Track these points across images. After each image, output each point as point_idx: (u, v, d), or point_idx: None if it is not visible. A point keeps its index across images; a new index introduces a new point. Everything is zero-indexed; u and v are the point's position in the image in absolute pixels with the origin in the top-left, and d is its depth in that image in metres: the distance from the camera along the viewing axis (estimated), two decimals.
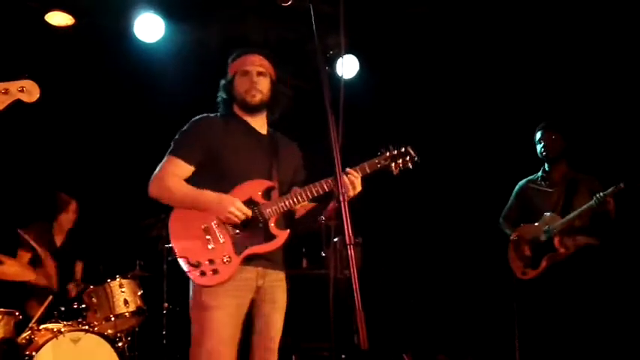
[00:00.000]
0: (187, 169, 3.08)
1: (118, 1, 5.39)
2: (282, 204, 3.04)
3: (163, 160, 3.13)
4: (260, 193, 3.07)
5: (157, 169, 3.11)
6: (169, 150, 3.14)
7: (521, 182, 5.16)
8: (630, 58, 5.49)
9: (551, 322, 4.73)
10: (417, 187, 6.58)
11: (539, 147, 4.96)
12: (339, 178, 2.23)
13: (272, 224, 3.05)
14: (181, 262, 2.95)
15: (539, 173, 5.06)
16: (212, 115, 3.23)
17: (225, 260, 2.95)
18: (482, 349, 6.13)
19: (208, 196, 3.00)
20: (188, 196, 3.02)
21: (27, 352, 4.26)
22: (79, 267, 5.55)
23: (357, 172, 3.03)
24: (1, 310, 4.46)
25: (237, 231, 3.00)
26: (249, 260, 3.01)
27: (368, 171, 3.08)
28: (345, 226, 2.20)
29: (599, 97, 5.74)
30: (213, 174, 3.07)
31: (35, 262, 5.13)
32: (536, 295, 4.83)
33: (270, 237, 3.05)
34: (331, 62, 5.75)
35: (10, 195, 5.69)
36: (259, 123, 3.26)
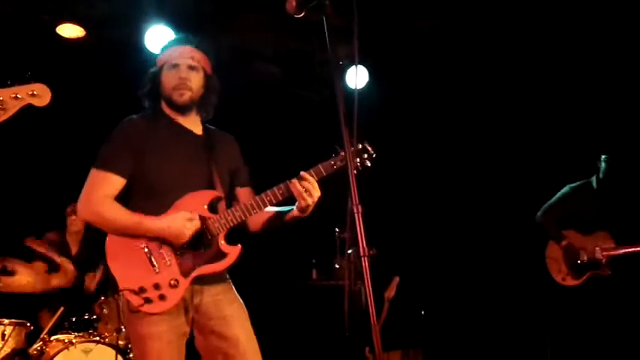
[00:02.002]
0: (120, 183, 2.72)
1: (129, 13, 5.41)
2: (232, 217, 2.72)
3: (91, 176, 2.72)
4: (206, 207, 2.74)
5: (86, 187, 2.71)
6: (96, 162, 2.73)
7: (572, 185, 5.19)
8: None
9: (587, 331, 4.84)
10: (431, 196, 6.60)
11: (602, 169, 5.01)
12: (353, 189, 2.16)
13: (222, 241, 2.73)
14: (124, 293, 2.65)
15: (594, 182, 5.09)
16: (136, 116, 2.85)
17: (172, 284, 2.65)
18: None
19: (152, 225, 2.65)
20: (129, 228, 2.66)
21: None
22: (91, 278, 5.53)
23: (313, 176, 2.71)
24: (13, 320, 4.47)
25: (184, 250, 2.70)
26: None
27: (324, 173, 2.74)
28: (360, 238, 2.12)
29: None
30: (146, 186, 2.73)
31: (52, 271, 5.15)
32: (573, 303, 4.95)
33: (221, 255, 2.73)
34: (341, 73, 5.77)
35: (23, 204, 5.72)
36: (192, 122, 2.90)
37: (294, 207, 2.79)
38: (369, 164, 2.77)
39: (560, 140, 5.99)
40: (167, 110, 2.89)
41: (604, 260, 4.83)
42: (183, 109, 2.86)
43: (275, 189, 2.74)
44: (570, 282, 4.97)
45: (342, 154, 2.71)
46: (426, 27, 5.79)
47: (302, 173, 2.71)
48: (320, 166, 2.75)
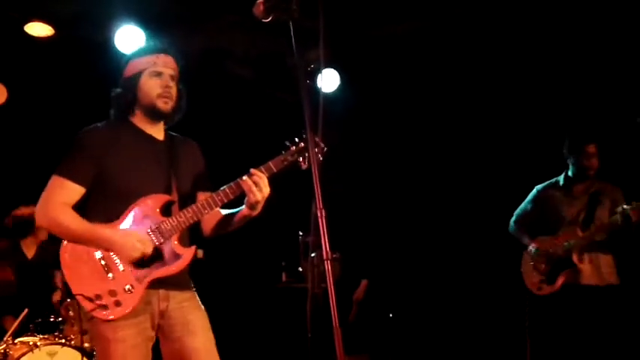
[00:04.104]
0: (78, 192, 2.74)
1: (99, 13, 5.35)
2: (184, 219, 2.74)
3: (50, 182, 2.75)
4: (158, 210, 2.75)
5: (44, 193, 2.75)
6: (57, 169, 2.76)
7: (539, 187, 4.89)
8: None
9: (565, 344, 4.49)
10: (400, 200, 6.65)
11: (578, 160, 4.65)
12: (317, 192, 2.17)
13: (175, 242, 2.75)
14: (78, 298, 2.66)
15: (561, 180, 4.77)
16: (100, 124, 2.85)
17: (127, 289, 2.67)
18: None
19: (104, 235, 2.68)
20: (81, 237, 2.70)
21: None
22: (59, 275, 5.45)
23: (263, 172, 2.73)
24: None
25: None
26: (152, 284, 2.72)
27: (274, 170, 2.77)
28: (323, 242, 2.13)
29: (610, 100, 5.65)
30: (105, 193, 2.75)
31: None
32: (550, 313, 4.58)
33: (175, 257, 2.74)
34: (312, 76, 5.77)
35: None
36: (156, 129, 2.91)
37: (244, 205, 2.81)
38: (321, 158, 2.69)
39: (532, 142, 6.05)
40: (135, 118, 2.90)
41: (574, 253, 4.47)
42: (161, 117, 2.88)
43: (226, 187, 2.76)
44: (546, 290, 4.60)
45: (293, 148, 2.79)
46: (398, 31, 5.84)
47: (252, 170, 2.74)
48: (270, 162, 2.78)
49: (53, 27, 5.36)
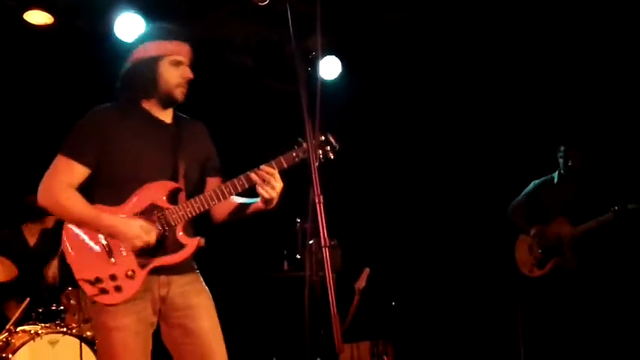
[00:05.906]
0: (83, 173, 2.69)
1: (99, 1, 5.33)
2: (190, 209, 2.69)
3: (55, 161, 2.70)
4: (164, 198, 2.70)
5: (48, 172, 2.70)
6: (62, 148, 2.70)
7: (536, 182, 5.42)
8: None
9: (555, 322, 4.99)
10: (403, 187, 6.64)
11: (561, 161, 5.23)
12: (315, 180, 2.16)
13: (180, 232, 2.71)
14: (80, 283, 2.63)
15: (555, 177, 5.31)
16: (109, 105, 2.81)
17: (128, 275, 2.62)
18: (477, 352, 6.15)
19: (108, 222, 2.63)
20: (85, 220, 2.66)
21: (3, 355, 4.22)
22: (51, 266, 5.44)
23: (274, 167, 2.69)
24: None
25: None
26: (152, 270, 2.69)
27: (285, 165, 2.71)
28: (321, 228, 2.12)
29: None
30: (110, 176, 2.71)
31: None
32: (539, 294, 5.14)
33: (178, 246, 2.71)
34: (313, 63, 5.74)
35: None
36: (165, 113, 2.86)
37: (259, 199, 2.78)
38: (332, 157, 2.71)
39: (529, 132, 6.05)
40: (146, 101, 2.83)
41: (565, 243, 5.02)
42: (173, 104, 2.85)
43: (235, 180, 2.72)
44: (536, 273, 5.13)
45: (305, 145, 2.67)
46: (401, 19, 5.81)
47: (262, 167, 2.69)
48: (281, 157, 2.73)
49: (53, 15, 5.32)
